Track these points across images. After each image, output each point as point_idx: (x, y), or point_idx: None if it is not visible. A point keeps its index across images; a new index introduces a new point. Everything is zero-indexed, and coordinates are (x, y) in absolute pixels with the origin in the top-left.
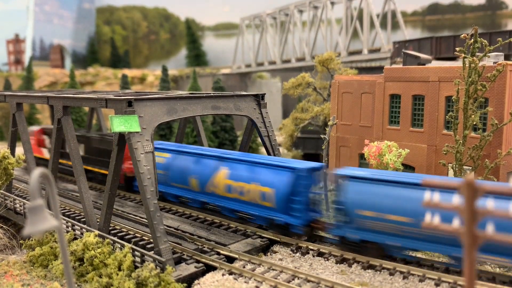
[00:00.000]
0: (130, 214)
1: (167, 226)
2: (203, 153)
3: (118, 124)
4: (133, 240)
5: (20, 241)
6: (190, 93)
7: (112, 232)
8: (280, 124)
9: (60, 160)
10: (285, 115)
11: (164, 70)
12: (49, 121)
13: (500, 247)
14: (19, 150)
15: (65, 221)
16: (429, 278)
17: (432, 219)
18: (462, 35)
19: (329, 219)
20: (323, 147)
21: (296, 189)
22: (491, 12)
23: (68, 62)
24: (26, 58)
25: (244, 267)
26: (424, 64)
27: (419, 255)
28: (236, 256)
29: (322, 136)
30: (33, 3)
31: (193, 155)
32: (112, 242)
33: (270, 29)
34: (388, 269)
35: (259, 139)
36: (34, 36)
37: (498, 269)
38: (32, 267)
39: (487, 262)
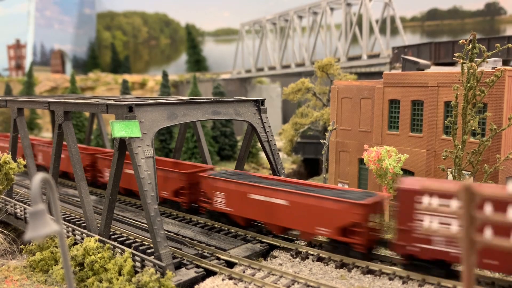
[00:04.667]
0: (130, 219)
1: (167, 231)
2: None
3: (119, 129)
4: (133, 245)
5: (21, 246)
6: (190, 98)
7: (113, 237)
8: (280, 129)
9: None
10: (285, 120)
11: (165, 75)
12: (49, 126)
13: None
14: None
15: (65, 226)
16: (429, 283)
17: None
18: (461, 41)
19: None
20: (323, 152)
21: None
22: (490, 17)
23: (68, 67)
24: (27, 63)
25: (244, 272)
26: (423, 70)
27: None
28: (236, 261)
29: (321, 141)
30: (34, 8)
31: None
32: (112, 247)
33: (269, 35)
34: (387, 274)
35: (259, 144)
36: (34, 41)
37: (497, 274)
38: (32, 272)
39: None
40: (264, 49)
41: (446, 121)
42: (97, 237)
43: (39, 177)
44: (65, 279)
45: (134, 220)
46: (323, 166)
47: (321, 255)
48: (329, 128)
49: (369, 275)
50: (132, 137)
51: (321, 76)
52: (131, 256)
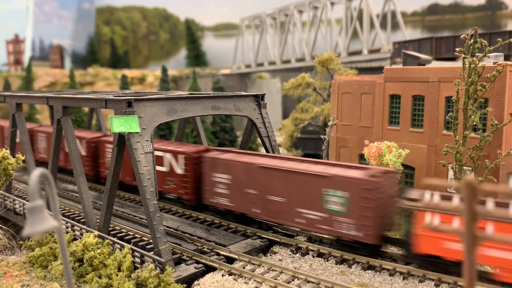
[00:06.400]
0: (129, 214)
1: (167, 226)
2: None
3: (118, 124)
4: (132, 240)
5: (20, 242)
6: (189, 94)
7: (112, 232)
8: (280, 124)
9: None
10: (285, 115)
11: (164, 70)
12: (48, 121)
13: None
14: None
15: (64, 222)
16: (429, 279)
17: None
18: (462, 36)
19: None
20: (323, 148)
21: None
22: (491, 12)
23: (67, 63)
24: (26, 58)
25: (244, 267)
26: (424, 65)
27: None
28: (236, 256)
29: (322, 136)
30: (32, 3)
31: None
32: (111, 242)
33: (270, 30)
34: (388, 269)
35: (259, 140)
36: (33, 37)
37: (498, 270)
38: (31, 268)
39: None
40: (264, 44)
41: (447, 117)
42: (96, 232)
43: (37, 172)
44: (64, 275)
45: (133, 215)
46: None
47: (321, 250)
48: (330, 123)
49: (369, 271)
50: (131, 132)
51: (322, 71)
52: (131, 252)
